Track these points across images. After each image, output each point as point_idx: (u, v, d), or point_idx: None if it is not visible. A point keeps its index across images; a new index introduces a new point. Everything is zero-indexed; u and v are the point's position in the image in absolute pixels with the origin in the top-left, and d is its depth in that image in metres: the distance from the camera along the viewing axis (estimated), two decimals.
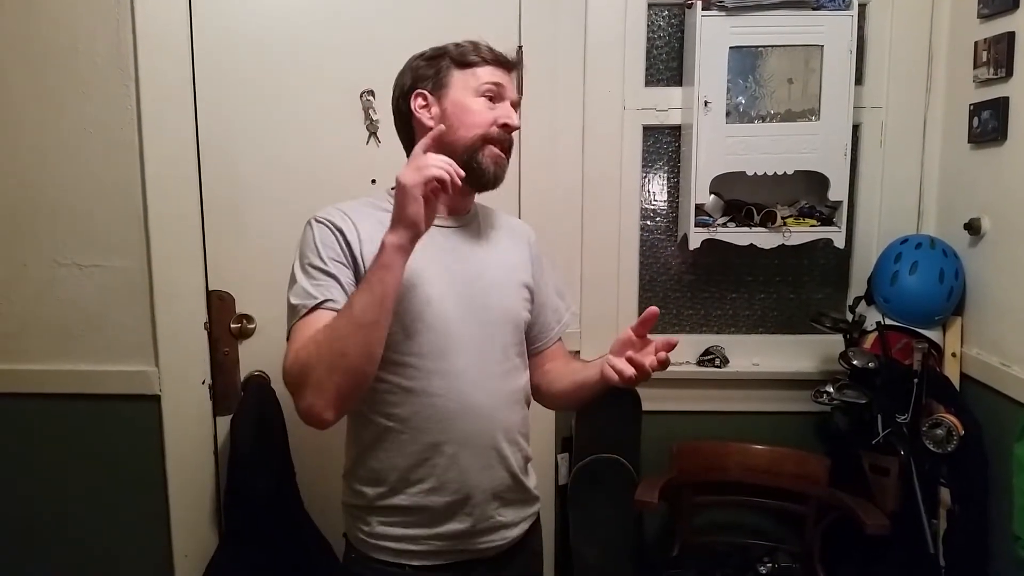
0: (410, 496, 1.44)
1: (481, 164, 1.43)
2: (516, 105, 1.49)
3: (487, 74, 1.44)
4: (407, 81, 1.49)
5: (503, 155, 1.46)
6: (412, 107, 1.47)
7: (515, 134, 1.49)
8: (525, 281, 1.56)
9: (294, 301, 1.38)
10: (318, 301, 1.35)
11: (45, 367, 2.19)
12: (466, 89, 1.44)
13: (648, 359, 1.32)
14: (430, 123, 1.43)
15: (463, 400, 1.42)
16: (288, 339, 1.39)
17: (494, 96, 1.45)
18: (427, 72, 1.47)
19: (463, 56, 1.45)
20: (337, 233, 1.40)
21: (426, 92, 1.46)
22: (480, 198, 1.57)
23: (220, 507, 2.25)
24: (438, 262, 1.43)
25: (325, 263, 1.38)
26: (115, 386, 2.20)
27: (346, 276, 1.38)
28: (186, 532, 2.24)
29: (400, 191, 1.24)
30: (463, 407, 1.42)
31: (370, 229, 1.41)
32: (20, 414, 2.22)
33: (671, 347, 1.35)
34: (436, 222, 1.46)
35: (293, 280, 1.41)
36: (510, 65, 1.49)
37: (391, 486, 1.44)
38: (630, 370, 1.32)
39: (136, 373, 2.19)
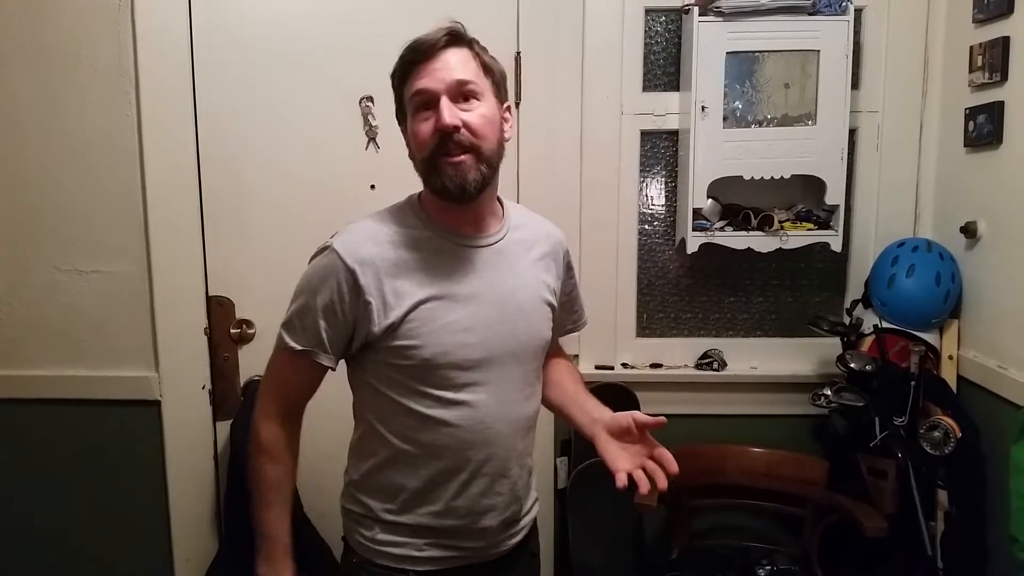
0: (417, 516, 1.42)
1: (436, 185, 1.34)
2: (458, 90, 1.31)
3: (412, 84, 1.33)
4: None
5: (456, 160, 1.31)
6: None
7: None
8: (549, 300, 1.51)
9: (282, 332, 1.40)
10: (299, 349, 1.38)
11: (46, 372, 2.20)
12: (409, 109, 1.36)
13: (643, 483, 1.30)
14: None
15: (483, 431, 1.39)
16: (271, 357, 1.44)
17: (426, 104, 1.32)
18: (396, 99, 1.41)
19: (397, 75, 1.37)
20: (347, 275, 1.33)
21: (402, 124, 1.41)
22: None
23: (220, 511, 2.25)
24: (466, 289, 1.38)
25: (317, 307, 1.35)
26: (116, 391, 2.20)
27: (334, 327, 1.35)
28: (186, 536, 2.25)
29: None
30: (482, 438, 1.40)
31: (392, 258, 1.36)
32: (21, 419, 2.22)
33: (669, 464, 1.31)
34: (462, 241, 1.40)
35: (293, 297, 1.40)
36: (430, 48, 1.31)
37: (399, 504, 1.42)
38: (622, 481, 1.30)
39: (137, 378, 2.19)
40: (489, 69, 1.37)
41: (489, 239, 1.43)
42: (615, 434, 1.39)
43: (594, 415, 1.46)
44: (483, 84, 1.35)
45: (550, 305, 1.51)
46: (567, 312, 1.64)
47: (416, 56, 1.32)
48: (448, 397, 1.37)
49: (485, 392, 1.38)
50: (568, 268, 1.60)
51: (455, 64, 1.32)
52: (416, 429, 1.38)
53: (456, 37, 1.33)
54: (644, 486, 1.29)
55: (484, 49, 1.38)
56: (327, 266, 1.35)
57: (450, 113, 1.29)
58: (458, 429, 1.37)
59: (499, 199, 1.48)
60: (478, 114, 1.33)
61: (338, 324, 1.35)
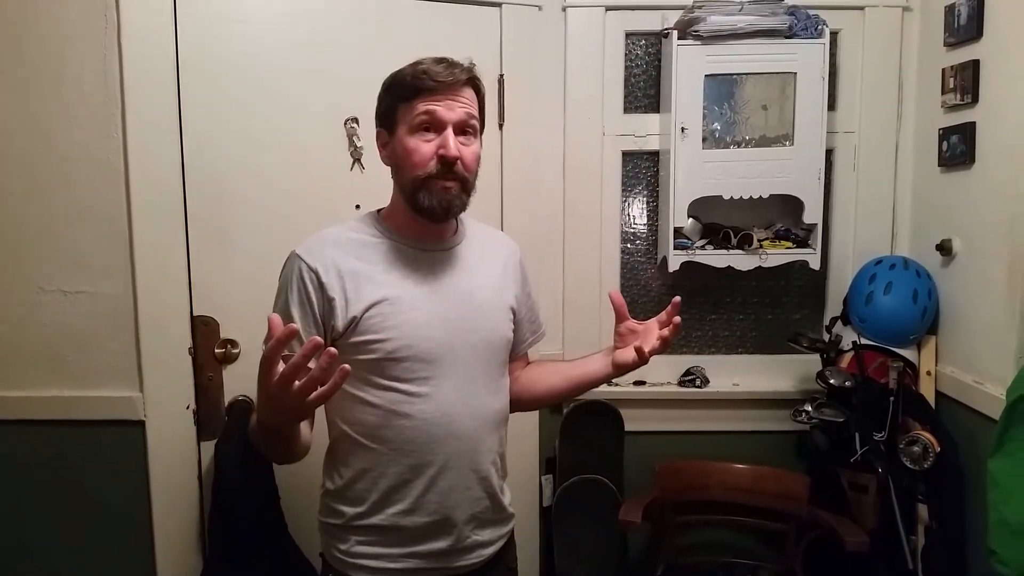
0: (387, 516, 1.45)
1: (424, 203, 1.42)
2: (462, 125, 1.42)
3: (420, 104, 1.40)
4: (375, 116, 1.51)
5: (448, 186, 1.41)
6: (376, 145, 1.51)
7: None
8: (509, 302, 1.58)
9: (264, 346, 1.41)
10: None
11: (30, 393, 2.18)
12: (405, 126, 1.42)
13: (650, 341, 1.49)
14: (387, 163, 1.48)
15: (448, 424, 1.44)
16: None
17: (430, 126, 1.40)
18: (382, 108, 1.48)
19: (403, 90, 1.42)
20: (311, 275, 1.42)
21: (384, 131, 1.48)
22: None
23: (204, 531, 2.24)
24: (425, 286, 1.46)
25: (292, 312, 1.41)
26: (100, 411, 2.19)
27: (310, 328, 1.41)
28: (170, 557, 2.23)
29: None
30: (448, 431, 1.44)
31: (353, 258, 1.44)
32: (4, 440, 2.20)
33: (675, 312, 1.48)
34: (422, 246, 1.49)
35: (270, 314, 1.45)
36: (450, 82, 1.41)
37: (369, 506, 1.46)
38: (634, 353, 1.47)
39: (121, 399, 2.18)
40: (482, 107, 1.49)
41: (446, 244, 1.53)
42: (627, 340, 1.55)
43: (601, 352, 1.63)
44: (478, 123, 1.46)
45: (511, 308, 1.58)
46: (528, 320, 1.69)
47: (436, 86, 1.40)
48: (412, 390, 1.42)
49: (449, 385, 1.43)
50: (524, 277, 1.66)
51: (467, 100, 1.43)
52: (382, 426, 1.43)
53: (472, 79, 1.45)
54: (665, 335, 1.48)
55: (483, 86, 1.49)
56: (293, 271, 1.44)
57: (456, 145, 1.40)
58: (423, 422, 1.42)
59: None
60: (472, 150, 1.44)
61: (312, 324, 1.42)
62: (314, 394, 1.15)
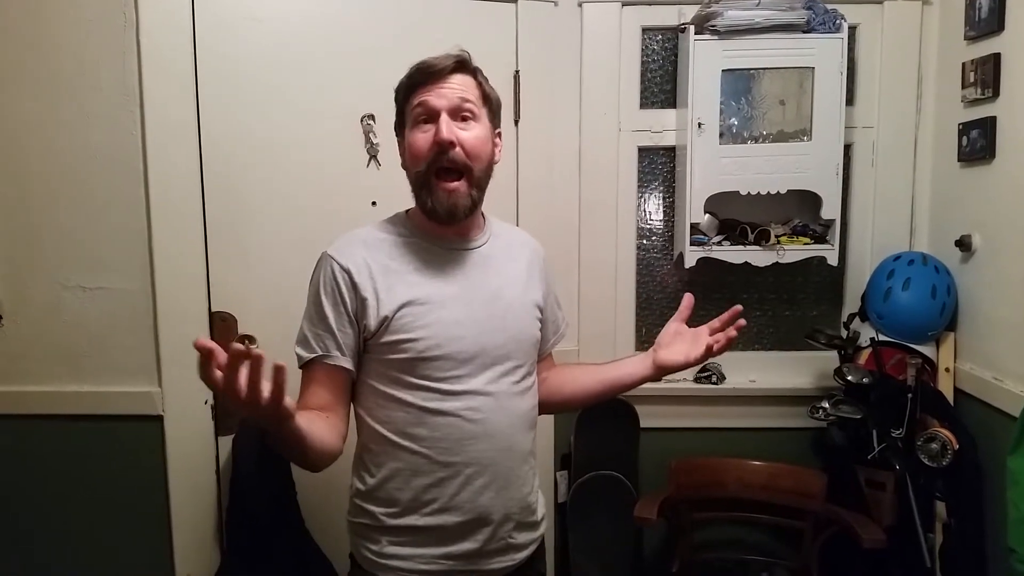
0: (422, 516, 1.44)
1: (427, 205, 1.42)
2: (456, 110, 1.41)
3: (415, 98, 1.42)
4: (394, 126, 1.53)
5: (450, 187, 1.40)
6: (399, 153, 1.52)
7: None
8: (537, 301, 1.57)
9: (297, 349, 1.44)
10: (316, 355, 1.41)
11: (50, 388, 2.21)
12: (408, 122, 1.44)
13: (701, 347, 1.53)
14: (404, 167, 1.48)
15: (481, 423, 1.43)
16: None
17: (427, 118, 1.41)
18: (396, 115, 1.49)
19: (402, 91, 1.45)
20: (344, 275, 1.41)
21: (399, 137, 1.49)
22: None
23: (222, 526, 2.26)
24: (455, 285, 1.45)
25: (326, 311, 1.41)
26: (119, 407, 2.21)
27: (344, 327, 1.41)
28: (188, 551, 2.25)
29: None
30: (481, 429, 1.43)
31: (384, 258, 1.44)
32: (25, 435, 2.23)
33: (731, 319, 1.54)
34: (449, 246, 1.49)
35: (304, 315, 1.47)
36: (437, 70, 1.41)
37: (404, 506, 1.44)
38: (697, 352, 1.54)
39: (139, 394, 2.20)
40: (488, 98, 1.48)
41: (474, 244, 1.52)
42: (668, 343, 1.58)
43: (639, 355, 1.63)
44: (481, 109, 1.45)
45: (538, 307, 1.57)
46: (551, 320, 1.68)
47: (425, 78, 1.41)
48: (444, 388, 1.41)
49: (480, 385, 1.43)
50: (548, 276, 1.66)
51: (458, 86, 1.42)
52: (415, 424, 1.42)
53: (463, 64, 1.43)
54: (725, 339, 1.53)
55: (486, 79, 1.48)
56: (326, 271, 1.44)
57: (448, 129, 1.39)
58: (456, 419, 1.41)
59: (481, 212, 1.56)
60: (473, 135, 1.42)
61: (347, 323, 1.41)
62: (263, 397, 1.10)
